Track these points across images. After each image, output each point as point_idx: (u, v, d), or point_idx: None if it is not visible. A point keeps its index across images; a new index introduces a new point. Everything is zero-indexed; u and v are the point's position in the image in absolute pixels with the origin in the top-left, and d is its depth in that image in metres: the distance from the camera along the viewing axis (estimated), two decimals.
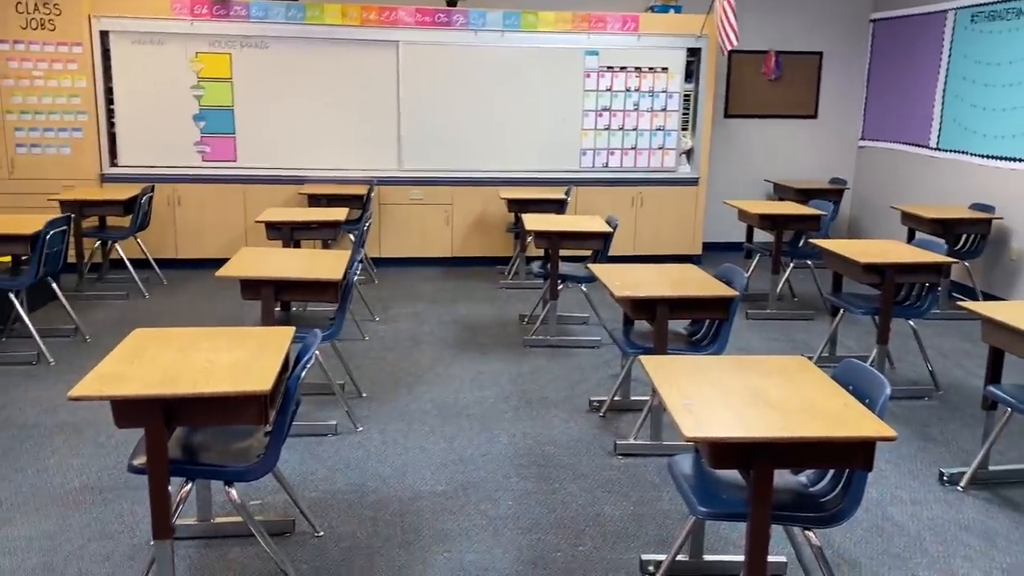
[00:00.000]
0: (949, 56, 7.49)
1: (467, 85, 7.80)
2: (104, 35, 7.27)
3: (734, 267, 4.17)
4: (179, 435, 2.88)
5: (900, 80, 8.28)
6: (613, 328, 4.43)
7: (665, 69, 8.01)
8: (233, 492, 2.76)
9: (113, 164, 7.49)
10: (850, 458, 2.33)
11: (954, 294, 6.87)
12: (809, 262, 6.86)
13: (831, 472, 2.66)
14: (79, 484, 3.60)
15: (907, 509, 3.54)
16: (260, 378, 2.53)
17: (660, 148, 8.18)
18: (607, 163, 8.14)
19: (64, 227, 5.34)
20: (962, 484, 3.73)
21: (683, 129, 8.23)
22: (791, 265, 6.87)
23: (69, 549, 3.09)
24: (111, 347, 2.81)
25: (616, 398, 4.52)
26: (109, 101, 7.40)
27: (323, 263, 4.33)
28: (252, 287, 4.07)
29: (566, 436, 4.21)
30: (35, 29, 7.06)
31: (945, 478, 3.78)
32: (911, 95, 8.08)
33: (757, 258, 7.08)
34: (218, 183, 7.61)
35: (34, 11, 7.03)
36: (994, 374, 3.75)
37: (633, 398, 4.56)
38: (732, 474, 2.70)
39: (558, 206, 7.15)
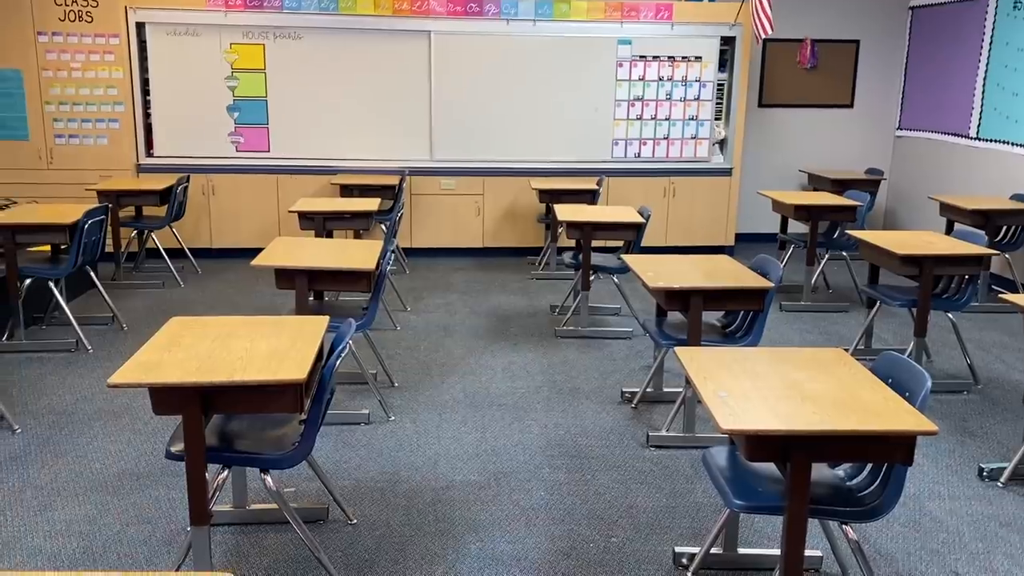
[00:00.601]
0: (990, 44, 7.33)
1: (499, 75, 7.79)
2: (140, 27, 7.35)
3: (769, 258, 4.12)
4: (216, 422, 2.91)
5: (939, 68, 8.13)
6: (646, 319, 4.41)
7: (699, 58, 7.93)
8: (269, 479, 2.79)
9: (149, 154, 7.58)
10: (890, 452, 2.29)
11: (994, 287, 6.75)
12: (844, 253, 6.77)
13: (869, 466, 2.62)
14: (117, 470, 3.65)
15: (946, 505, 3.49)
16: (296, 367, 2.54)
17: (693, 138, 8.10)
18: (639, 153, 8.08)
19: (102, 217, 5.42)
20: (1002, 480, 3.67)
21: (716, 119, 8.15)
22: (826, 256, 6.78)
23: (108, 534, 3.14)
24: (148, 335, 2.84)
25: (648, 390, 4.50)
26: (145, 92, 7.49)
27: (356, 253, 4.34)
28: (286, 276, 4.10)
29: (598, 427, 4.20)
30: (73, 21, 7.16)
31: (985, 473, 3.72)
32: (950, 84, 7.93)
33: (791, 249, 7.00)
34: (251, 173, 7.67)
35: (72, 3, 7.13)
36: None
37: (666, 389, 4.53)
38: (768, 467, 2.67)
39: (590, 196, 7.11)
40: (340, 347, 2.81)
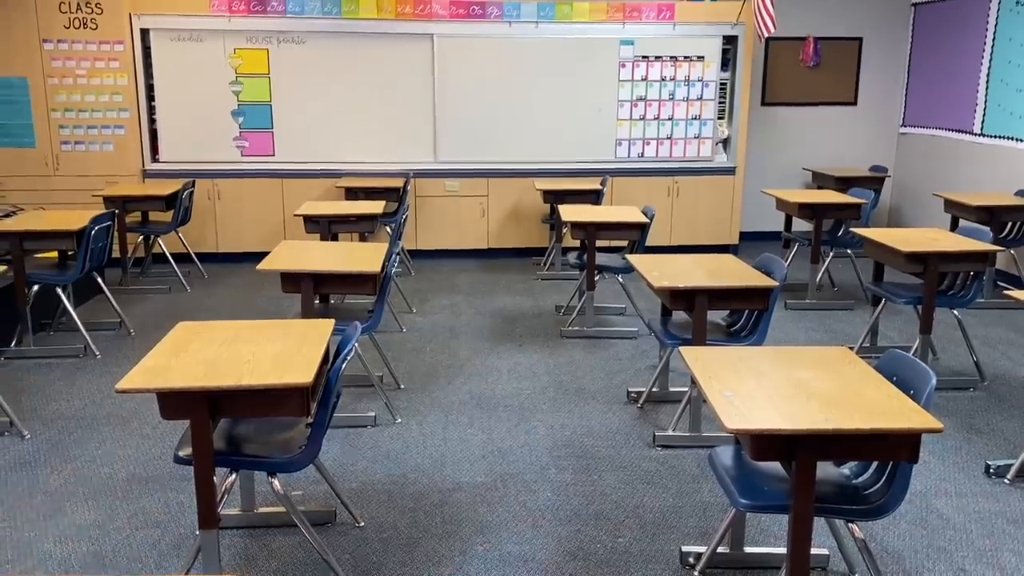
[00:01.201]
0: (993, 39, 7.32)
1: (502, 77, 7.80)
2: (145, 33, 7.38)
3: (773, 257, 4.13)
4: (223, 426, 2.93)
5: (943, 65, 8.11)
6: (651, 319, 4.41)
7: (701, 58, 7.94)
8: (276, 483, 2.81)
9: (155, 160, 7.61)
10: (895, 450, 2.29)
11: (999, 283, 6.73)
12: (849, 251, 6.76)
13: (875, 464, 2.62)
14: (126, 474, 3.67)
15: (952, 502, 3.49)
16: (302, 370, 2.56)
17: (696, 137, 8.11)
18: (643, 153, 8.09)
19: (108, 223, 5.44)
20: (1009, 477, 3.67)
21: (719, 118, 8.15)
22: (831, 254, 6.78)
23: (117, 538, 3.16)
24: (155, 340, 2.86)
25: (654, 389, 4.50)
26: (150, 98, 7.52)
27: (361, 255, 4.36)
28: (292, 280, 4.11)
29: (604, 427, 4.20)
30: (78, 28, 7.19)
31: (992, 470, 3.72)
32: (954, 80, 7.91)
33: (795, 247, 7.00)
34: (257, 177, 7.70)
35: (76, 10, 7.16)
36: None
37: (671, 389, 4.54)
38: (774, 466, 2.67)
39: (594, 197, 7.12)
40: (346, 350, 2.82)
